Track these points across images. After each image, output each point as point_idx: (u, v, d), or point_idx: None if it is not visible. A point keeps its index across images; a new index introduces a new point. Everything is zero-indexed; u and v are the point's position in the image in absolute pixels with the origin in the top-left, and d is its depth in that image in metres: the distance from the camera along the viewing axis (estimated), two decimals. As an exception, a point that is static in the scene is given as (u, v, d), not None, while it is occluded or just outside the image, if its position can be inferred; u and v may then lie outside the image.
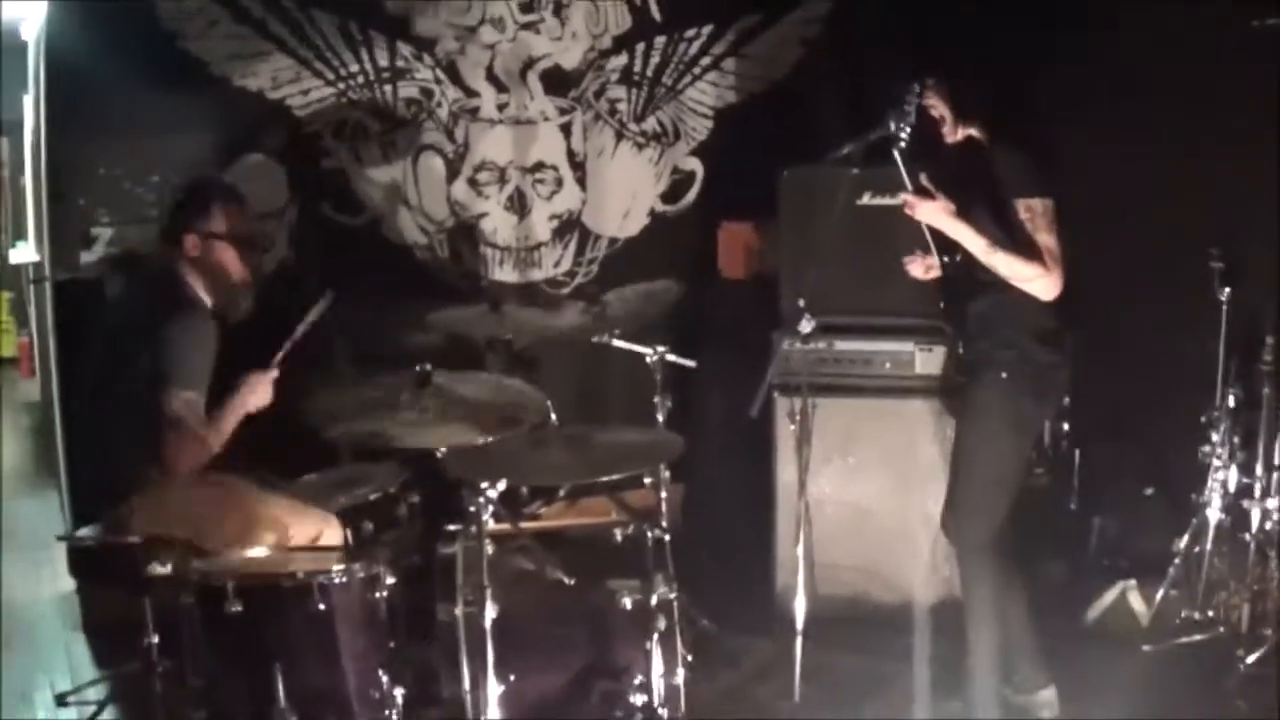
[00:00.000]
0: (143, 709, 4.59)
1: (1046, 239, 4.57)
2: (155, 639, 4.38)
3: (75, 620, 6.20)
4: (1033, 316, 4.68)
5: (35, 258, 7.78)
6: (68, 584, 6.25)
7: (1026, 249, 4.56)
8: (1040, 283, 4.58)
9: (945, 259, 4.92)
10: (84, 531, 4.73)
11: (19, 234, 12.55)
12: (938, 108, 4.77)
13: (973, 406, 4.83)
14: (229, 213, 4.77)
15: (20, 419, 11.62)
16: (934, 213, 4.73)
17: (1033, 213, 4.58)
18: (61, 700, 5.25)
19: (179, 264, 4.72)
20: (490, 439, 3.93)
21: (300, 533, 4.45)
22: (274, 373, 4.75)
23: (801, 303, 4.69)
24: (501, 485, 3.60)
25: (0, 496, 8.72)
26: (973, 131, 4.79)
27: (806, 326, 4.68)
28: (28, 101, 6.68)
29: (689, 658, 4.77)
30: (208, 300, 4.75)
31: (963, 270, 4.80)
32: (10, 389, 13.16)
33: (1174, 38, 5.91)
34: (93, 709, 4.99)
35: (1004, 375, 4.69)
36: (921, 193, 4.77)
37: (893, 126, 4.65)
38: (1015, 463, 4.82)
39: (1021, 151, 4.66)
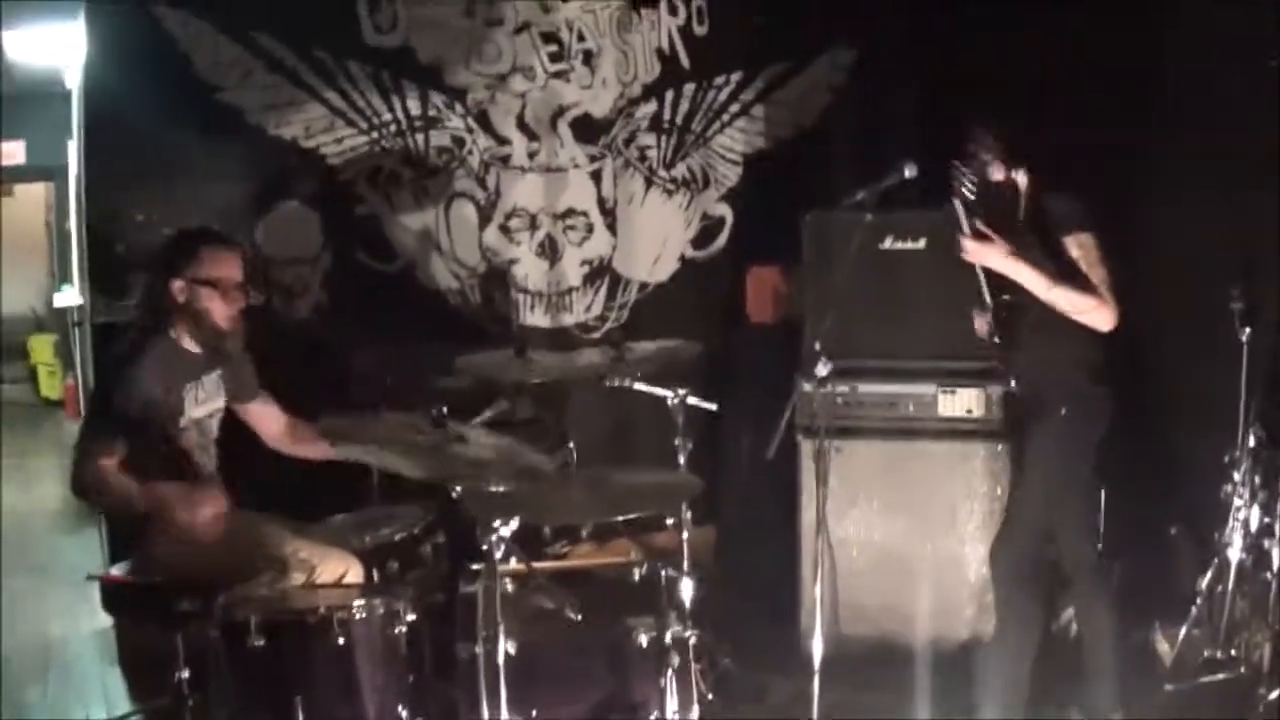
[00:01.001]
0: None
1: (1100, 271, 4.73)
2: (186, 674, 4.43)
3: (112, 655, 6.31)
4: (1086, 351, 4.85)
5: (79, 301, 7.93)
6: (105, 620, 6.34)
7: (1083, 283, 4.70)
8: (1098, 315, 4.73)
9: (1000, 300, 5.00)
10: (114, 570, 4.78)
11: (65, 278, 12.78)
12: (986, 149, 4.88)
13: (1033, 445, 5.00)
14: (217, 260, 4.77)
15: (65, 459, 11.73)
16: (993, 255, 4.82)
17: (1084, 248, 4.74)
18: (96, 732, 5.36)
19: (166, 308, 4.76)
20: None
21: (325, 571, 4.53)
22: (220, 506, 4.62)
23: (818, 346, 4.73)
24: (514, 524, 3.66)
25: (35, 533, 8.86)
26: (1019, 173, 4.91)
27: (823, 369, 4.72)
28: (72, 148, 6.82)
29: (709, 695, 4.85)
30: (190, 345, 4.79)
31: (1017, 311, 4.92)
32: (56, 430, 13.33)
33: (1192, 77, 5.96)
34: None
35: (1063, 411, 4.84)
36: (978, 236, 4.86)
37: (952, 173, 4.80)
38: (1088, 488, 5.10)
39: (1065, 189, 4.82)
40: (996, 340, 5.12)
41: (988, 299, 5.01)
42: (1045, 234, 4.78)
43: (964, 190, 4.80)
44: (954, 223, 4.90)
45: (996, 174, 4.92)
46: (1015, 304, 4.90)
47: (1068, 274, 4.72)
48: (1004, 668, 5.03)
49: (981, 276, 4.97)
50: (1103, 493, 6.09)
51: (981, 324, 5.16)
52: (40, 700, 6.00)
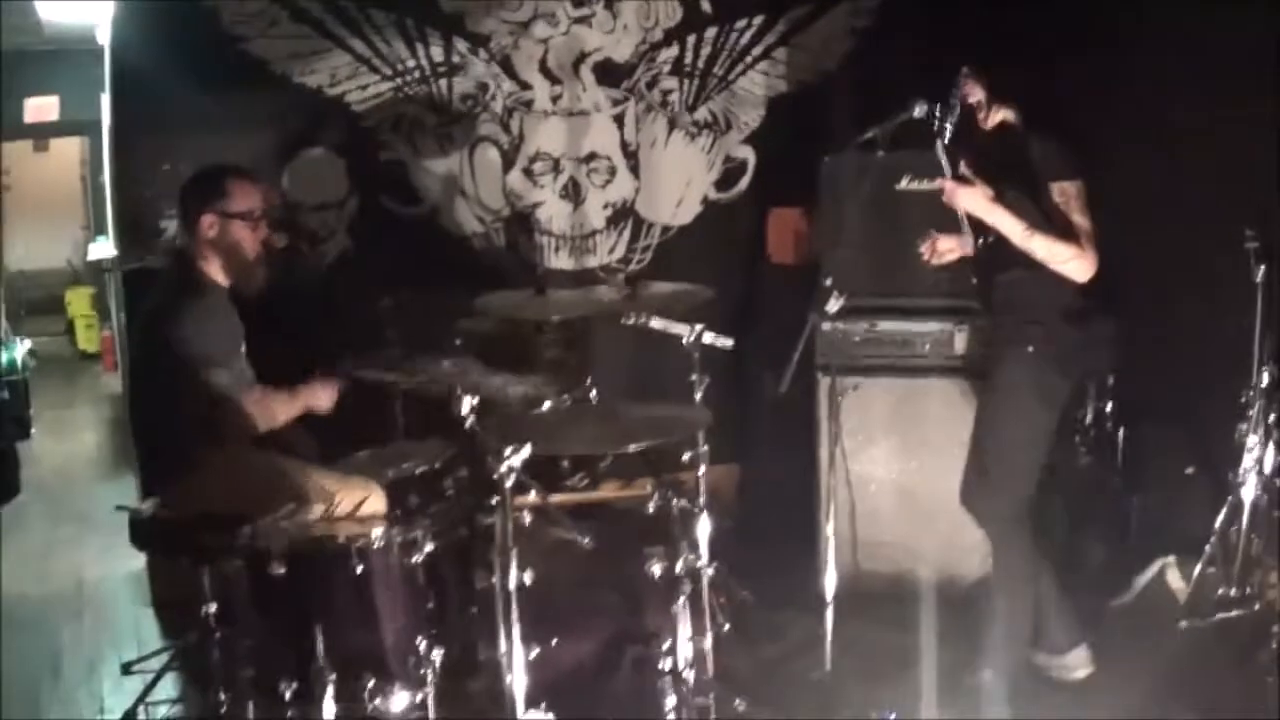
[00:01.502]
0: (199, 672, 4.77)
1: (1081, 220, 4.69)
2: (213, 607, 4.54)
3: (145, 597, 6.47)
4: (1060, 295, 4.81)
5: (114, 252, 8.02)
6: (139, 562, 6.49)
7: (1062, 231, 4.68)
8: (1076, 264, 4.69)
9: (980, 240, 5.01)
10: (144, 505, 4.89)
11: (100, 230, 12.88)
12: (974, 94, 4.86)
13: (999, 380, 4.97)
14: (243, 191, 4.90)
15: (103, 411, 11.92)
16: (973, 199, 4.82)
17: (1066, 195, 4.70)
18: (126, 669, 5.47)
19: (194, 246, 4.87)
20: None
21: (346, 501, 4.61)
22: (338, 384, 4.96)
23: (829, 281, 4.78)
24: (526, 452, 3.73)
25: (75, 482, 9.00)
26: (1007, 116, 4.89)
27: (834, 305, 4.77)
28: (105, 101, 6.91)
29: (726, 626, 4.94)
30: (223, 279, 4.90)
31: (995, 251, 4.90)
32: (94, 382, 13.47)
33: (1205, 25, 5.96)
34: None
35: (1030, 349, 4.82)
36: (960, 180, 4.87)
37: (934, 114, 4.75)
38: (1042, 435, 4.95)
39: (1054, 135, 4.78)
40: (974, 280, 5.20)
41: (971, 241, 5.07)
42: (1029, 179, 4.76)
43: (945, 131, 4.78)
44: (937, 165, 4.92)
45: (983, 117, 4.91)
46: (993, 245, 4.89)
47: (1047, 221, 4.71)
48: (1001, 605, 5.06)
49: (963, 218, 5.00)
50: (1121, 433, 6.19)
51: (927, 252, 5.28)
52: (76, 641, 6.15)
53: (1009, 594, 4.98)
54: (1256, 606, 5.59)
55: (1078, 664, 5.12)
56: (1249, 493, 5.69)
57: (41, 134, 15.17)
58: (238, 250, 4.87)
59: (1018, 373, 4.89)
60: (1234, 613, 5.61)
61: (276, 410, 4.86)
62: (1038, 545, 5.00)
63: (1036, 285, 4.81)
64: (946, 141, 4.82)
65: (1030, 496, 4.93)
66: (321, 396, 4.99)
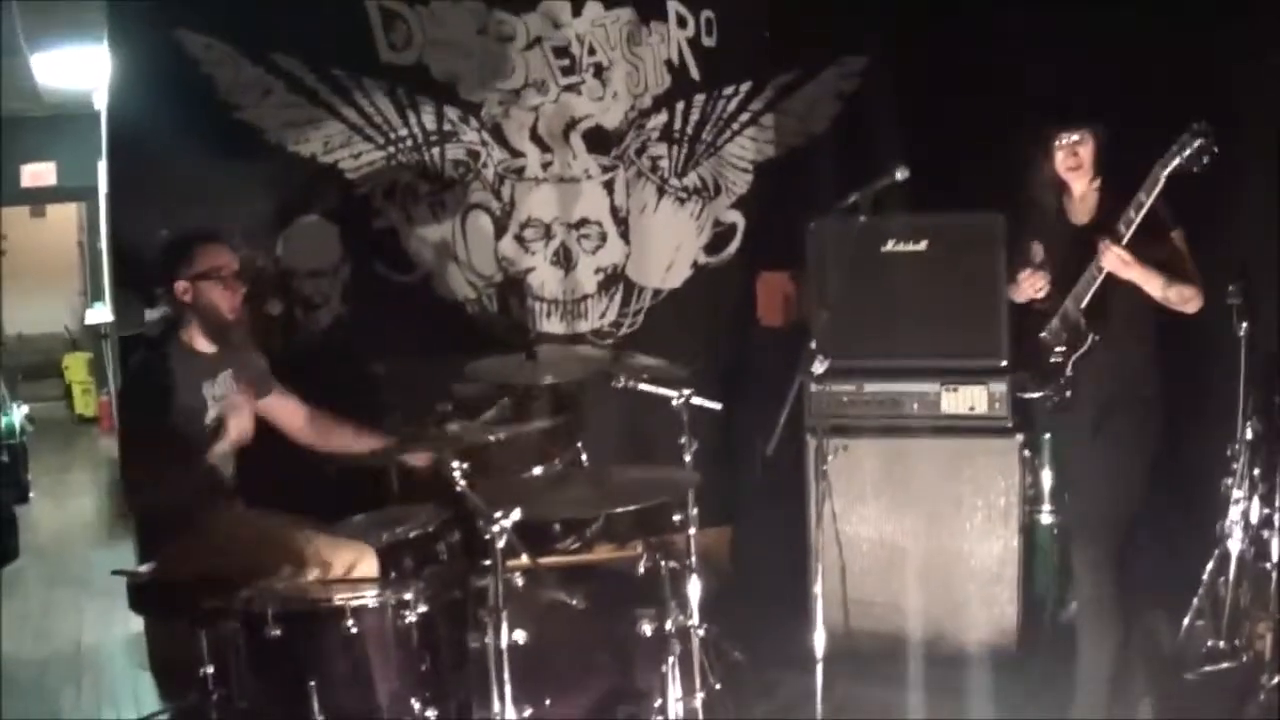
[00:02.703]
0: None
1: (1191, 260, 4.99)
2: (210, 669, 4.56)
3: (143, 660, 6.50)
4: (1146, 350, 5.14)
5: (110, 318, 8.10)
6: (137, 626, 6.54)
7: (1189, 275, 4.96)
8: (1195, 303, 4.99)
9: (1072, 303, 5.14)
10: (142, 568, 4.94)
11: (97, 296, 12.98)
12: (1082, 155, 5.09)
13: (1112, 435, 5.12)
14: (209, 252, 4.96)
15: (101, 475, 11.98)
16: (1120, 262, 4.91)
17: (1182, 241, 4.99)
18: (123, 731, 5.54)
19: (177, 313, 4.97)
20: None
21: (340, 565, 4.66)
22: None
23: (814, 344, 4.84)
24: (516, 515, 3.79)
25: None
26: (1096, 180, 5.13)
27: (819, 367, 4.82)
28: (102, 168, 6.98)
29: (716, 686, 4.98)
30: (206, 344, 4.97)
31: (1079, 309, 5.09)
32: (91, 446, 13.53)
33: (1188, 73, 6.06)
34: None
35: (1142, 399, 5.11)
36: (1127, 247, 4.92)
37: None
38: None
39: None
40: (1079, 340, 5.16)
41: (1082, 305, 5.10)
42: (1154, 233, 4.91)
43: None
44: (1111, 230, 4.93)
45: (1085, 179, 5.13)
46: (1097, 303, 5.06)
47: (1176, 269, 4.94)
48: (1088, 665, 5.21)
49: (1095, 285, 5.05)
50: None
51: (1028, 288, 5.27)
52: (74, 704, 6.19)
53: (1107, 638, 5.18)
54: (1245, 658, 5.62)
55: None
56: (1235, 545, 5.75)
57: (39, 200, 15.27)
58: (215, 311, 4.93)
59: (1132, 427, 5.12)
60: (1223, 665, 5.64)
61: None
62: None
63: (1138, 342, 5.12)
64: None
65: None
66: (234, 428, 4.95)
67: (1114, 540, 5.11)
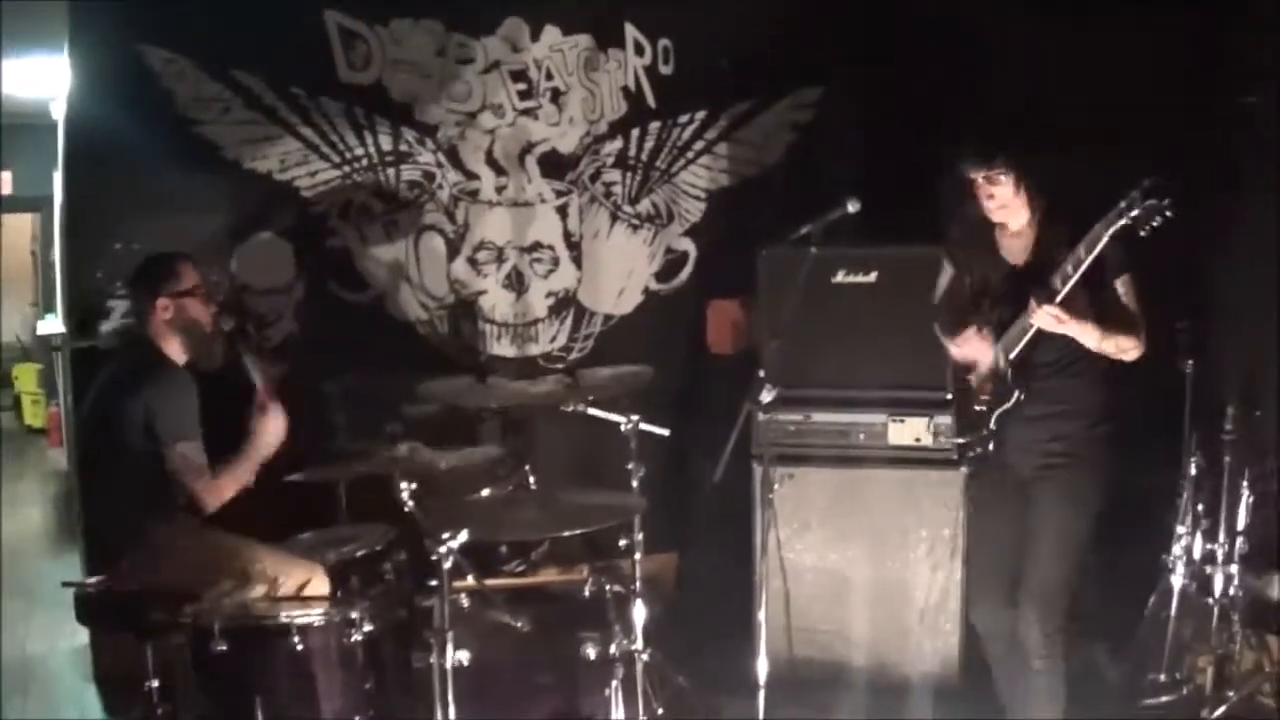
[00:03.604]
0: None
1: (1136, 308, 4.73)
2: (156, 683, 4.59)
3: (88, 673, 6.47)
4: (1104, 396, 4.88)
5: (61, 329, 8.06)
6: (83, 638, 6.49)
7: (1129, 324, 4.72)
8: (1135, 353, 4.75)
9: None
10: (90, 580, 4.94)
11: (49, 307, 12.90)
12: (999, 195, 4.82)
13: (1068, 487, 4.86)
14: (190, 271, 5.09)
15: (49, 487, 11.90)
16: (1053, 320, 4.66)
17: (1128, 287, 4.73)
18: (67, 747, 5.51)
19: (151, 328, 5.02)
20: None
21: (288, 583, 4.69)
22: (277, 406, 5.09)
23: (761, 373, 4.85)
24: (463, 536, 3.82)
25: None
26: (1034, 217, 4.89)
27: (767, 396, 4.83)
28: (58, 178, 6.97)
29: (659, 710, 5.01)
30: (182, 357, 5.05)
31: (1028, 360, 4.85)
32: (40, 458, 13.43)
33: (1142, 107, 6.13)
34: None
35: (1083, 461, 4.85)
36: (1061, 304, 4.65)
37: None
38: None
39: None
40: (1006, 394, 4.91)
41: (1010, 356, 4.87)
42: (1095, 284, 4.67)
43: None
44: (1046, 288, 4.65)
45: (1011, 217, 4.89)
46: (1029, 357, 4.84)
47: (1116, 319, 4.69)
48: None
49: (1025, 338, 4.80)
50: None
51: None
52: (20, 715, 6.16)
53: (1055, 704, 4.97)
54: (1185, 691, 5.72)
55: None
56: (1178, 579, 5.83)
57: (-7, 208, 15.19)
58: (196, 326, 5.06)
59: (1088, 482, 4.88)
60: (1164, 698, 5.75)
61: (228, 484, 4.89)
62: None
63: (1078, 393, 4.85)
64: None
65: None
66: (271, 430, 5.05)
67: (1060, 613, 4.87)
